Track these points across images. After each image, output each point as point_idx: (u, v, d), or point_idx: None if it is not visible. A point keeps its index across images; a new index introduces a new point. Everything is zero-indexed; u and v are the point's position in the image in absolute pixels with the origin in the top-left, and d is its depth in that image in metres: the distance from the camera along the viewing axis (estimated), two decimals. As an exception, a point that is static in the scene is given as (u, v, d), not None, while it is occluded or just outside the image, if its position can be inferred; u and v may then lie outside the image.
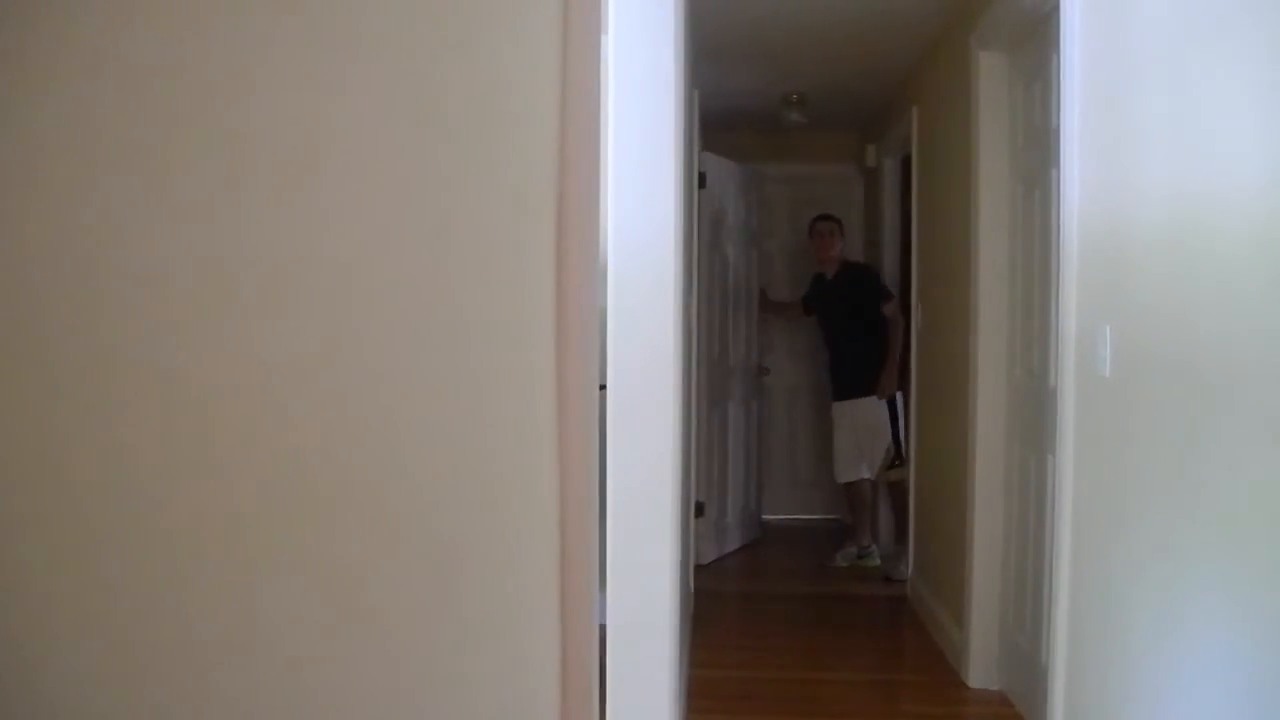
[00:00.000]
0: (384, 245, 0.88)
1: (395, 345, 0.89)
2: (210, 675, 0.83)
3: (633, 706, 3.10)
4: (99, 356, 0.80)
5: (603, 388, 3.04)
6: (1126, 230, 2.68)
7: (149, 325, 0.81)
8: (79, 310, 0.80)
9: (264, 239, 0.84)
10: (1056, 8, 3.16)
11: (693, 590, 5.41)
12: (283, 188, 0.85)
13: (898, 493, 6.38)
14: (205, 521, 0.83)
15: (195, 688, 0.83)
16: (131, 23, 0.81)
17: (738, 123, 6.99)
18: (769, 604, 6.05)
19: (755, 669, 4.82)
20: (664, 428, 3.12)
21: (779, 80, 6.25)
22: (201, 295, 0.82)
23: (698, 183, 5.61)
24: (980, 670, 4.39)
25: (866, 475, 6.48)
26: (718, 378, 6.61)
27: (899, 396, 6.29)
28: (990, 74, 4.37)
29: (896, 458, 6.31)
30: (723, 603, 5.90)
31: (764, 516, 7.39)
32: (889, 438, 6.34)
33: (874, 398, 6.32)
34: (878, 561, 6.47)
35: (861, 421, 6.40)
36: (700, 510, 6.07)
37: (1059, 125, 3.13)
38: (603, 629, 3.04)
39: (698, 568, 6.15)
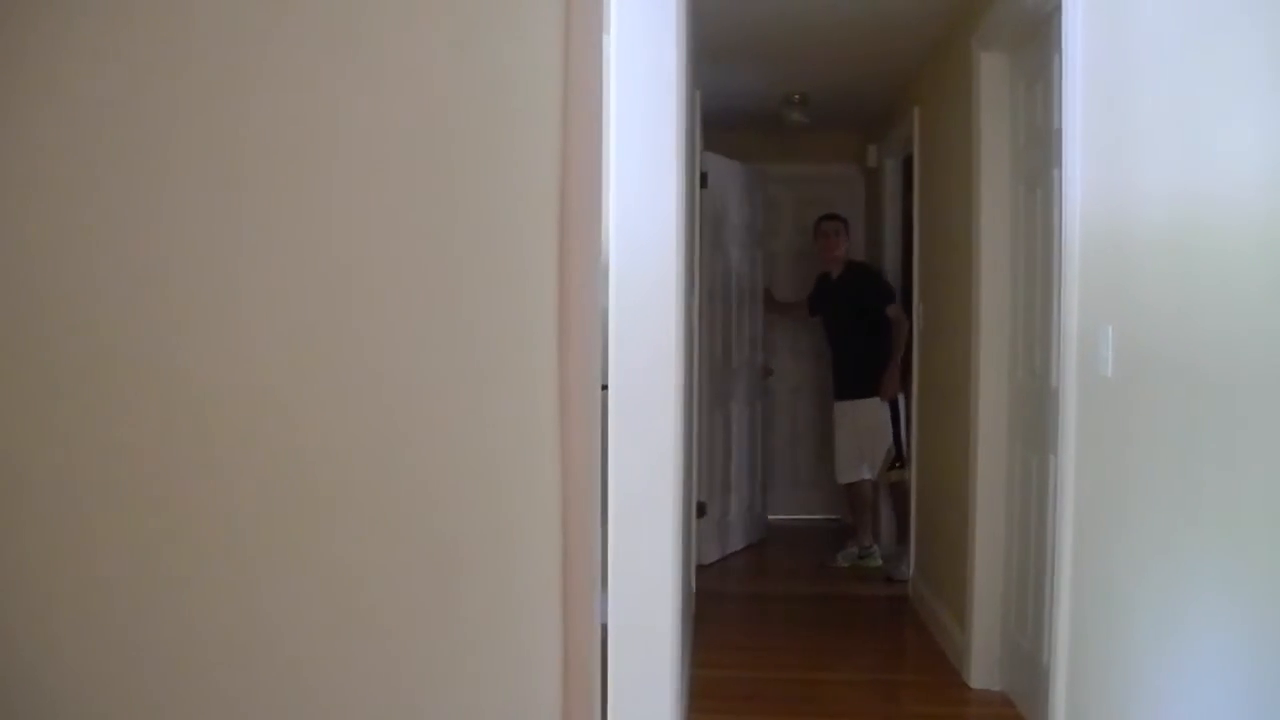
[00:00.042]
0: (385, 245, 0.88)
1: (396, 345, 0.89)
2: (210, 675, 0.83)
3: (634, 706, 3.10)
4: (99, 356, 0.80)
5: (604, 388, 3.04)
6: (1128, 230, 2.68)
7: (149, 325, 0.81)
8: (79, 310, 0.79)
9: (264, 238, 0.84)
10: (1058, 8, 3.16)
11: (694, 590, 5.41)
12: (282, 187, 0.85)
13: (899, 493, 6.38)
14: (206, 521, 0.83)
15: (195, 688, 0.83)
16: (131, 22, 0.80)
17: (739, 123, 6.99)
18: (771, 604, 6.05)
19: (757, 669, 4.82)
20: (665, 428, 3.12)
21: (781, 80, 6.25)
22: (201, 295, 0.82)
23: (699, 183, 5.60)
24: (982, 671, 4.39)
25: (867, 476, 6.48)
26: (720, 378, 6.61)
27: (901, 398, 6.28)
28: (992, 74, 4.37)
29: (897, 459, 6.31)
30: (725, 603, 5.90)
31: (769, 516, 7.39)
32: (890, 439, 6.33)
33: (876, 399, 6.31)
34: (879, 562, 6.47)
35: (863, 422, 6.39)
36: (702, 510, 6.07)
37: (1060, 125, 3.13)
38: (604, 629, 3.04)
39: (700, 568, 6.15)
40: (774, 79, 6.20)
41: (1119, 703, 2.67)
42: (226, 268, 0.83)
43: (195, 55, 0.82)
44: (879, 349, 6.30)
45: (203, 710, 0.83)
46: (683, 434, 3.39)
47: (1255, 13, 2.12)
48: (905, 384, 6.16)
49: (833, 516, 7.59)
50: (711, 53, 5.25)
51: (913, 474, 5.95)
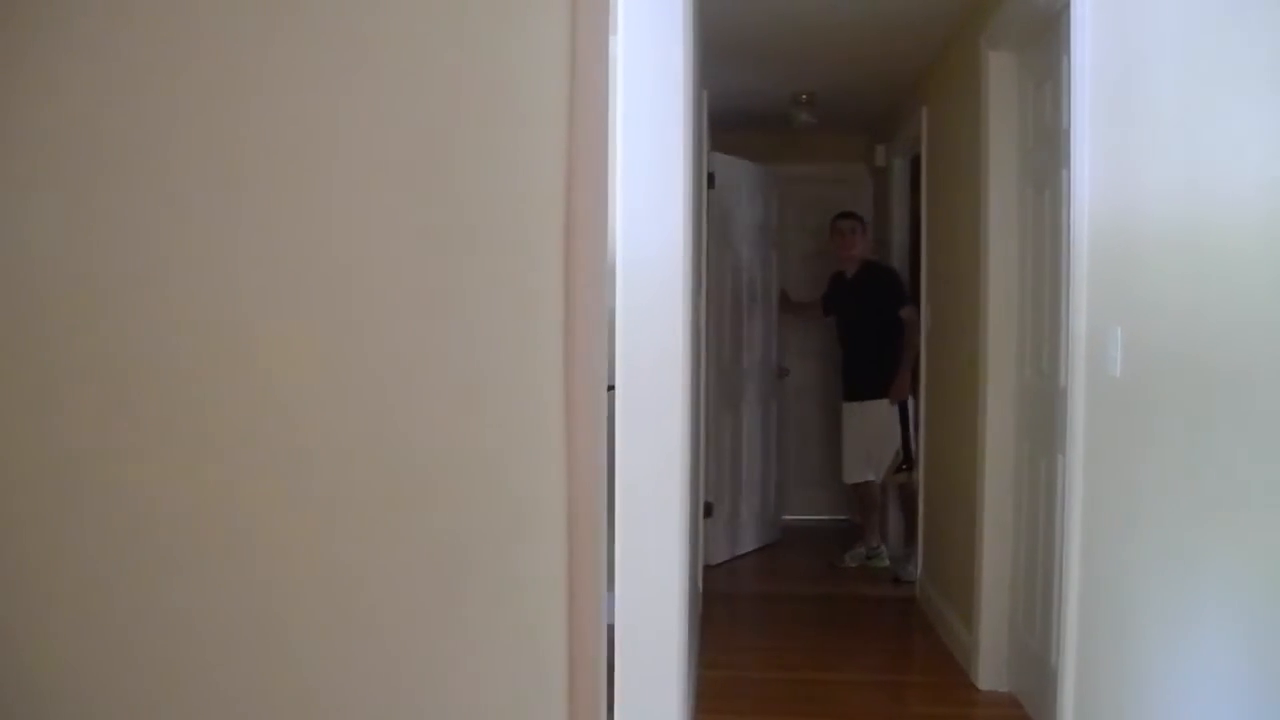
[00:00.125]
0: (389, 246, 0.88)
1: (399, 345, 0.89)
2: (211, 676, 0.83)
3: (641, 707, 3.10)
4: (99, 356, 0.80)
5: (611, 388, 3.03)
6: (1137, 230, 2.67)
7: (149, 324, 0.81)
8: (79, 310, 0.79)
9: (265, 238, 0.84)
10: (1067, 7, 3.15)
11: (702, 591, 5.41)
12: (284, 187, 0.85)
13: (907, 494, 6.36)
14: (206, 521, 0.82)
15: (196, 688, 0.82)
16: (131, 21, 0.80)
17: (747, 123, 6.98)
18: (778, 605, 6.05)
19: (764, 670, 4.81)
20: (672, 428, 3.12)
21: (788, 80, 6.24)
22: (201, 295, 0.82)
23: (707, 183, 5.60)
24: (990, 672, 4.38)
25: (871, 478, 6.46)
26: (730, 378, 6.60)
27: (911, 401, 6.25)
28: (1000, 74, 4.36)
29: (905, 462, 6.29)
30: (732, 603, 5.90)
31: (784, 517, 7.36)
32: (898, 442, 6.31)
33: (885, 400, 6.29)
34: (887, 562, 6.46)
35: (871, 424, 6.37)
36: (709, 511, 6.06)
37: (1069, 125, 3.12)
38: (611, 629, 3.04)
39: (708, 568, 6.14)
40: (781, 79, 6.19)
41: (1127, 704, 2.67)
42: (227, 268, 0.83)
43: (196, 54, 0.82)
44: (890, 350, 6.27)
45: (203, 710, 0.83)
46: (690, 434, 3.39)
47: (1263, 12, 2.11)
48: (915, 387, 6.13)
49: (840, 517, 7.59)
50: (719, 52, 5.24)
51: (921, 474, 5.94)
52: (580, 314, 0.96)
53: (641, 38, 3.07)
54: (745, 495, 6.81)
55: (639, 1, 3.07)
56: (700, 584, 5.33)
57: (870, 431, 6.39)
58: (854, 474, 6.53)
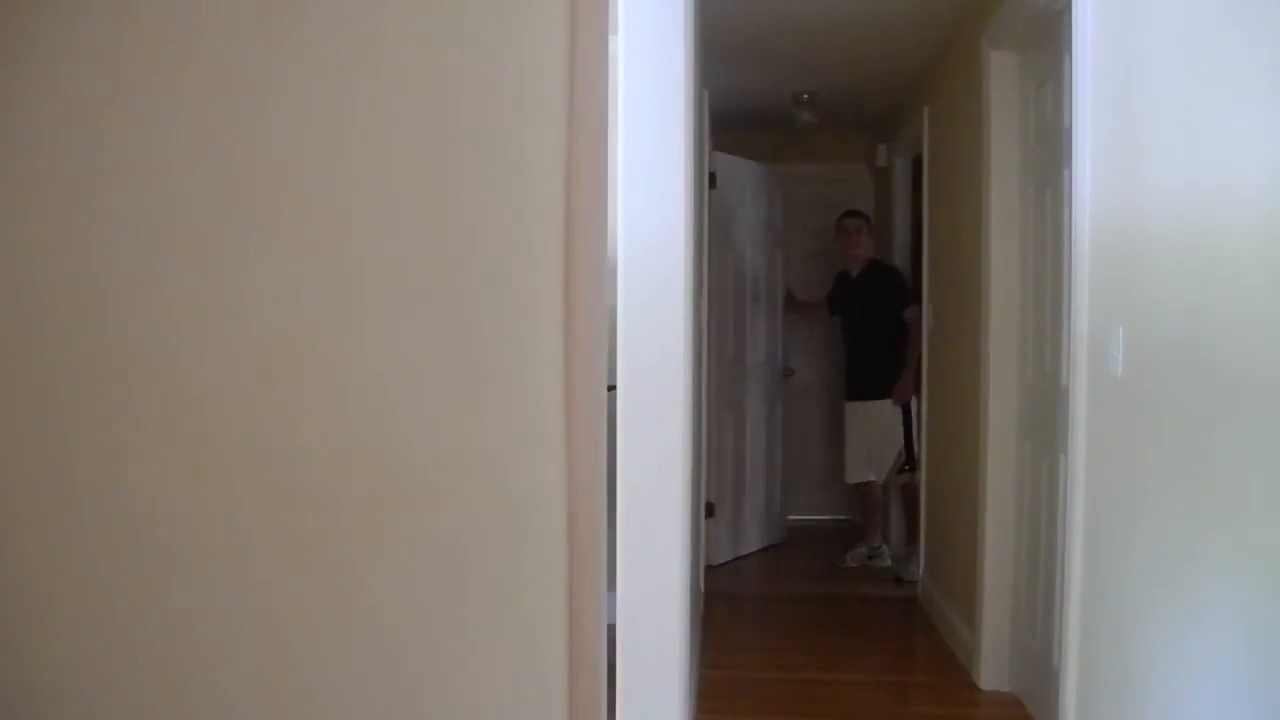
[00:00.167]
0: (388, 244, 0.88)
1: (401, 346, 0.89)
2: (211, 675, 0.83)
3: (642, 707, 3.10)
4: (99, 357, 0.80)
5: (612, 388, 3.04)
6: (1139, 230, 2.67)
7: (149, 324, 0.81)
8: (79, 310, 0.79)
9: (265, 237, 0.84)
10: (1068, 7, 3.15)
11: (704, 591, 5.41)
12: (284, 186, 0.85)
13: (909, 493, 6.36)
14: (207, 521, 0.82)
15: (196, 688, 0.82)
16: (134, 22, 0.80)
17: (749, 123, 6.98)
18: (780, 605, 6.05)
19: (766, 670, 4.81)
20: (673, 428, 3.12)
21: (790, 80, 6.24)
22: (201, 295, 0.82)
23: (708, 183, 5.60)
24: (992, 672, 4.38)
25: (872, 478, 6.46)
26: (732, 378, 6.59)
27: (914, 402, 6.23)
28: (1001, 74, 4.36)
29: (907, 463, 6.28)
30: (734, 603, 5.90)
31: (790, 517, 7.34)
32: (900, 442, 6.30)
33: (888, 401, 6.28)
34: (888, 562, 6.46)
35: (873, 424, 6.36)
36: (710, 511, 6.06)
37: (1071, 125, 3.12)
38: (612, 629, 3.04)
39: (710, 568, 6.14)
40: (783, 78, 6.19)
41: (1129, 704, 2.67)
42: (227, 267, 0.83)
43: (197, 54, 0.82)
44: (893, 351, 6.25)
45: (203, 710, 0.83)
46: (691, 434, 3.39)
47: (1263, 12, 2.11)
48: (918, 388, 6.11)
49: (841, 517, 7.58)
50: (720, 52, 5.24)
51: (923, 474, 5.94)
52: (580, 314, 0.96)
53: (642, 38, 3.07)
54: (749, 495, 6.80)
55: (639, 1, 3.07)
56: (702, 584, 5.33)
57: (873, 432, 6.38)
58: (856, 474, 6.53)
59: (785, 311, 7.16)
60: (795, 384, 7.48)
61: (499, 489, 0.93)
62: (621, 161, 3.05)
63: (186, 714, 0.82)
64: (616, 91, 3.04)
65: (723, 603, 5.74)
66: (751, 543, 6.83)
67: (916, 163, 6.29)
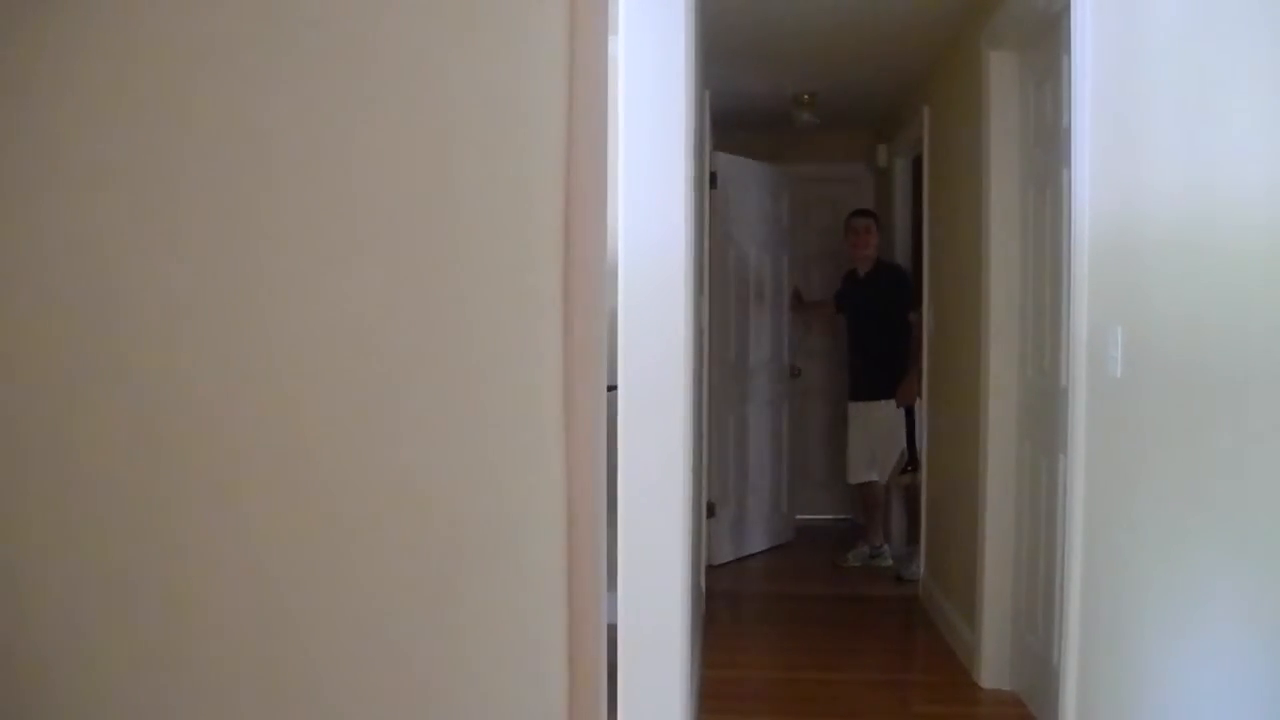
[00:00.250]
0: (389, 246, 0.88)
1: (401, 347, 0.89)
2: (212, 675, 0.83)
3: (644, 707, 3.10)
4: (103, 358, 0.80)
5: (612, 388, 3.04)
6: (1138, 230, 2.67)
7: (151, 323, 0.81)
8: (82, 309, 0.80)
9: (265, 237, 0.84)
10: (1067, 7, 3.15)
11: (705, 590, 5.41)
12: (285, 187, 0.85)
13: (911, 493, 6.35)
14: (208, 523, 0.83)
15: (197, 687, 0.83)
16: (140, 23, 0.81)
17: (750, 123, 6.98)
18: (781, 604, 6.05)
19: (767, 669, 4.82)
20: (674, 428, 3.12)
21: (790, 80, 6.24)
22: (202, 295, 0.82)
23: (708, 183, 5.60)
24: (992, 671, 4.38)
25: (874, 478, 6.45)
26: (734, 378, 6.58)
27: (918, 403, 6.22)
28: (1001, 74, 4.36)
29: (910, 464, 6.27)
30: (736, 603, 5.90)
31: (797, 517, 7.32)
32: (903, 443, 6.29)
33: (891, 401, 6.27)
34: (889, 562, 6.46)
35: (876, 424, 6.36)
36: (711, 510, 6.06)
37: (1070, 124, 3.12)
38: (613, 629, 3.04)
39: (712, 568, 6.14)
40: (784, 79, 6.19)
41: (1129, 702, 2.67)
42: (227, 268, 0.83)
43: (203, 58, 0.82)
44: (897, 351, 6.23)
45: (203, 710, 0.83)
46: (692, 434, 3.39)
47: (1265, 12, 2.11)
48: (922, 390, 6.10)
49: (842, 516, 7.57)
50: (722, 53, 5.25)
51: (924, 474, 5.94)
52: (580, 314, 0.96)
53: (642, 38, 3.08)
54: (753, 495, 6.78)
55: (639, 1, 3.07)
56: (703, 584, 5.33)
57: (875, 432, 6.38)
58: (858, 474, 6.52)
59: (792, 311, 7.15)
60: (799, 384, 7.46)
61: (499, 489, 0.93)
62: (621, 161, 3.05)
63: (187, 712, 0.82)
64: (616, 92, 3.04)
65: (724, 602, 5.74)
66: (757, 542, 6.81)
67: (916, 163, 6.28)
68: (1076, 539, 2.99)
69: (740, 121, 6.80)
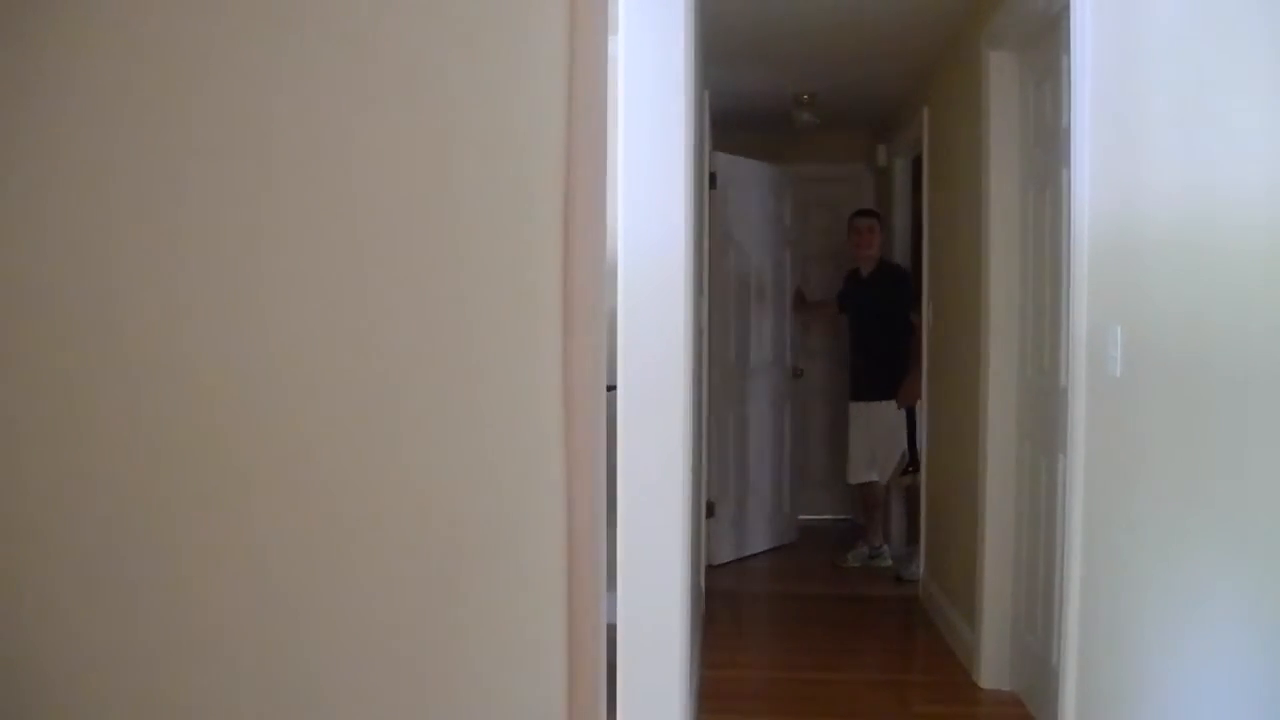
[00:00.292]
0: (388, 246, 0.88)
1: (398, 345, 0.89)
2: (211, 675, 0.83)
3: (643, 707, 3.10)
4: (103, 354, 0.80)
5: (612, 388, 3.04)
6: (1138, 229, 2.67)
7: (152, 322, 0.81)
8: (84, 308, 0.80)
9: (264, 238, 0.84)
10: (1067, 8, 3.15)
11: (704, 590, 5.41)
12: (283, 187, 0.85)
13: (910, 494, 6.35)
14: (207, 523, 0.83)
15: (196, 687, 0.83)
16: (142, 21, 0.81)
17: (750, 123, 6.98)
18: (781, 604, 6.05)
19: (766, 669, 4.82)
20: (674, 428, 3.12)
21: (790, 80, 6.24)
22: (203, 296, 0.82)
23: (709, 183, 5.59)
24: (992, 671, 4.38)
25: (876, 479, 6.45)
26: (735, 378, 6.58)
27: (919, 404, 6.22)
28: (1001, 74, 4.37)
29: (911, 465, 6.27)
30: (736, 603, 5.90)
31: (801, 517, 7.31)
32: (904, 444, 6.29)
33: (892, 402, 6.27)
34: (889, 562, 6.46)
35: (877, 425, 6.36)
36: (710, 510, 6.06)
37: (1070, 125, 3.12)
38: (612, 629, 3.04)
39: (713, 568, 6.14)
40: (783, 79, 6.19)
41: (1129, 703, 2.67)
42: (227, 268, 0.83)
43: (203, 54, 0.82)
44: (899, 352, 6.23)
45: (203, 709, 0.83)
46: (692, 434, 3.39)
47: (1266, 12, 2.11)
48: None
49: (841, 516, 7.57)
50: (721, 53, 5.25)
51: (923, 474, 5.94)
52: (580, 314, 0.96)
53: (642, 38, 3.08)
54: (753, 495, 6.77)
55: (639, 1, 3.07)
56: (703, 584, 5.33)
57: (876, 432, 6.38)
58: (859, 474, 6.52)
59: (794, 311, 7.15)
60: (802, 384, 7.46)
61: (498, 489, 0.93)
62: (621, 162, 3.05)
63: (187, 712, 0.82)
64: (616, 91, 3.04)
65: (724, 602, 5.74)
66: (759, 542, 6.80)
67: (916, 163, 6.29)
68: (1076, 539, 2.99)
69: (740, 121, 6.80)
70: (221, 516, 0.83)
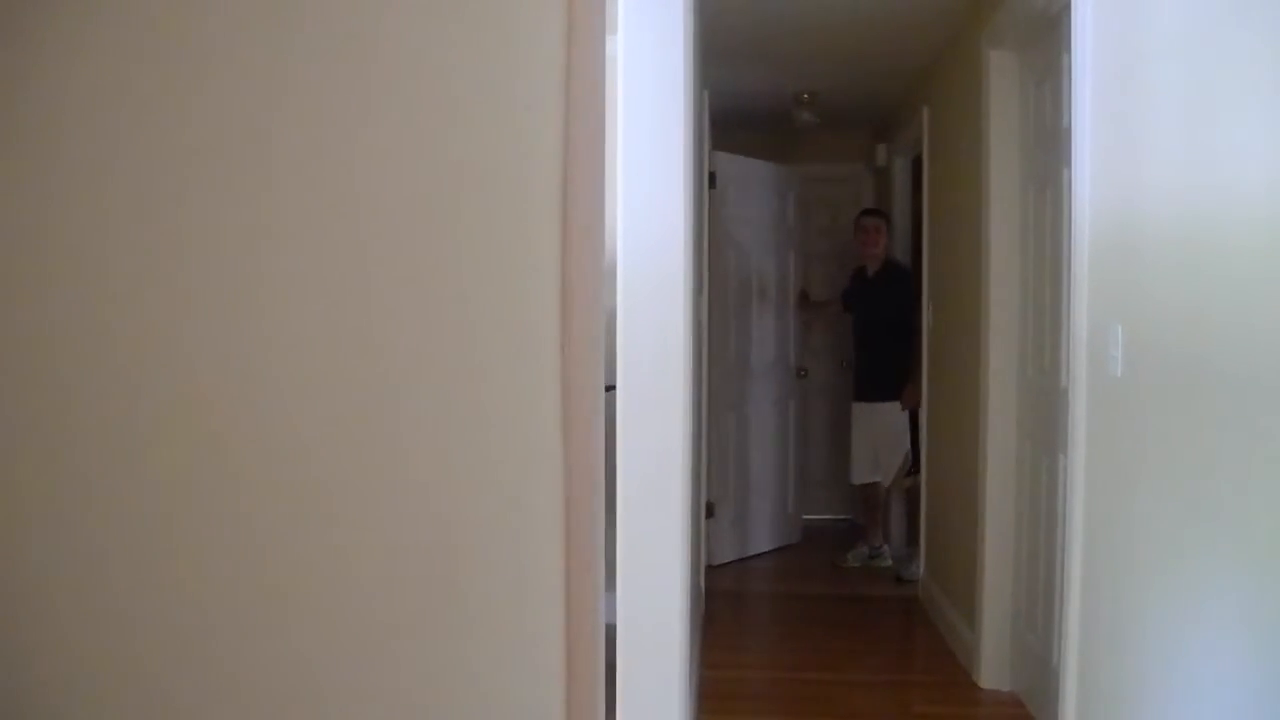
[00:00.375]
0: (386, 246, 0.88)
1: (396, 345, 0.89)
2: (210, 675, 0.83)
3: (643, 707, 3.10)
4: (103, 353, 0.80)
5: (611, 388, 3.04)
6: (1138, 229, 2.67)
7: (152, 322, 0.81)
8: (83, 307, 0.80)
9: (263, 238, 0.84)
10: (1067, 7, 3.15)
11: (704, 590, 5.41)
12: (282, 187, 0.85)
13: (911, 494, 6.35)
14: (207, 522, 0.83)
15: (195, 687, 0.83)
16: (143, 20, 0.80)
17: (750, 122, 6.98)
18: (781, 604, 6.05)
19: (766, 670, 4.82)
20: (673, 428, 3.12)
21: (790, 80, 6.24)
22: (203, 297, 0.82)
23: (708, 183, 5.59)
24: (992, 671, 4.38)
25: (878, 479, 6.45)
26: (736, 378, 6.58)
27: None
28: (1001, 73, 4.36)
29: (914, 466, 6.26)
30: (735, 603, 5.90)
31: (805, 517, 7.29)
32: (907, 445, 6.28)
33: (895, 404, 6.25)
34: (889, 562, 6.46)
35: (880, 426, 6.35)
36: (710, 511, 6.05)
37: (1070, 124, 3.12)
38: (612, 629, 3.04)
39: (713, 568, 6.14)
40: (783, 78, 6.19)
41: (1129, 704, 2.67)
42: (227, 267, 0.83)
43: (202, 53, 0.82)
44: (902, 353, 6.21)
45: (202, 709, 0.83)
46: (691, 434, 3.39)
47: (1265, 11, 2.11)
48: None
49: (841, 516, 7.57)
50: (721, 53, 5.25)
51: (923, 474, 5.93)
52: (578, 314, 0.96)
53: (641, 37, 3.07)
54: (756, 495, 6.76)
55: (639, 1, 3.07)
56: (702, 584, 5.33)
57: (879, 433, 6.37)
58: (861, 474, 6.52)
59: (798, 310, 7.14)
60: (803, 383, 7.44)
61: (497, 489, 0.93)
62: (621, 162, 3.05)
63: (186, 712, 0.82)
64: (615, 91, 3.04)
65: (724, 602, 5.74)
66: (762, 543, 6.78)
67: (916, 163, 6.28)
68: (1076, 539, 2.99)
69: (740, 121, 6.80)
70: (221, 516, 0.83)
